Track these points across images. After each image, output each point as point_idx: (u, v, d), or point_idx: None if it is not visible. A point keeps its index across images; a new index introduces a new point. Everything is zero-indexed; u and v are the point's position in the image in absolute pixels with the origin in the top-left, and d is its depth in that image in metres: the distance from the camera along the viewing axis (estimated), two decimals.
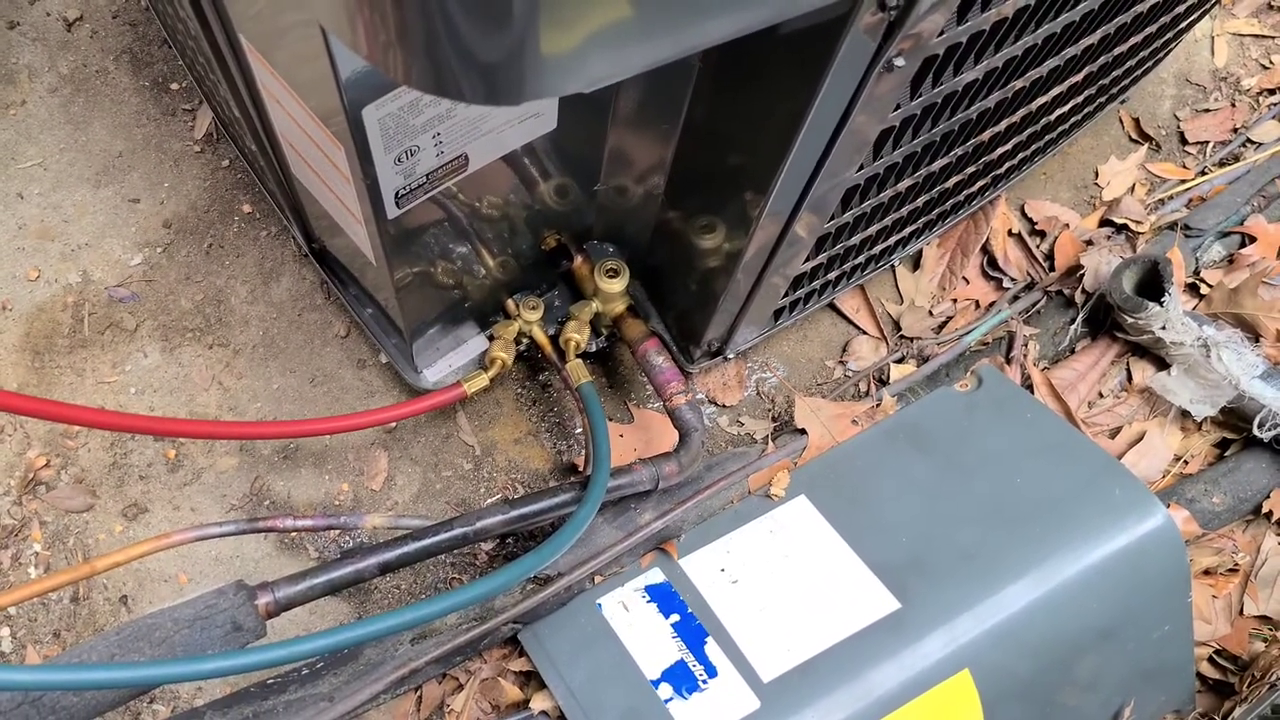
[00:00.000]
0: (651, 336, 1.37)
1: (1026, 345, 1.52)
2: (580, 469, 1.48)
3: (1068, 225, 1.64)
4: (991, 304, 1.60)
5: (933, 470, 1.40)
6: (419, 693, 1.33)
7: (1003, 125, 1.21)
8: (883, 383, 1.55)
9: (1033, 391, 1.50)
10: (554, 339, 1.42)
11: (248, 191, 1.59)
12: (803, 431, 1.45)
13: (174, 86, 1.64)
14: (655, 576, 1.35)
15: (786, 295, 1.35)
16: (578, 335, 1.37)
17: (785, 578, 1.33)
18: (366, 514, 1.25)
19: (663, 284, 1.42)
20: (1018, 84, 1.08)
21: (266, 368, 1.51)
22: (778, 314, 1.42)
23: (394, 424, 1.49)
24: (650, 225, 1.34)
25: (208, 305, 1.53)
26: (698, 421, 1.34)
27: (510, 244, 1.29)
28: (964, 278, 1.59)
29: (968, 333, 1.55)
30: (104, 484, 1.44)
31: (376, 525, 1.26)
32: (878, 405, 1.47)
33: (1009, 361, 1.51)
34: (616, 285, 1.34)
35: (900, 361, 1.55)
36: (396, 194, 1.00)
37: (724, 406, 1.54)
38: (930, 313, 1.59)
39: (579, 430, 1.52)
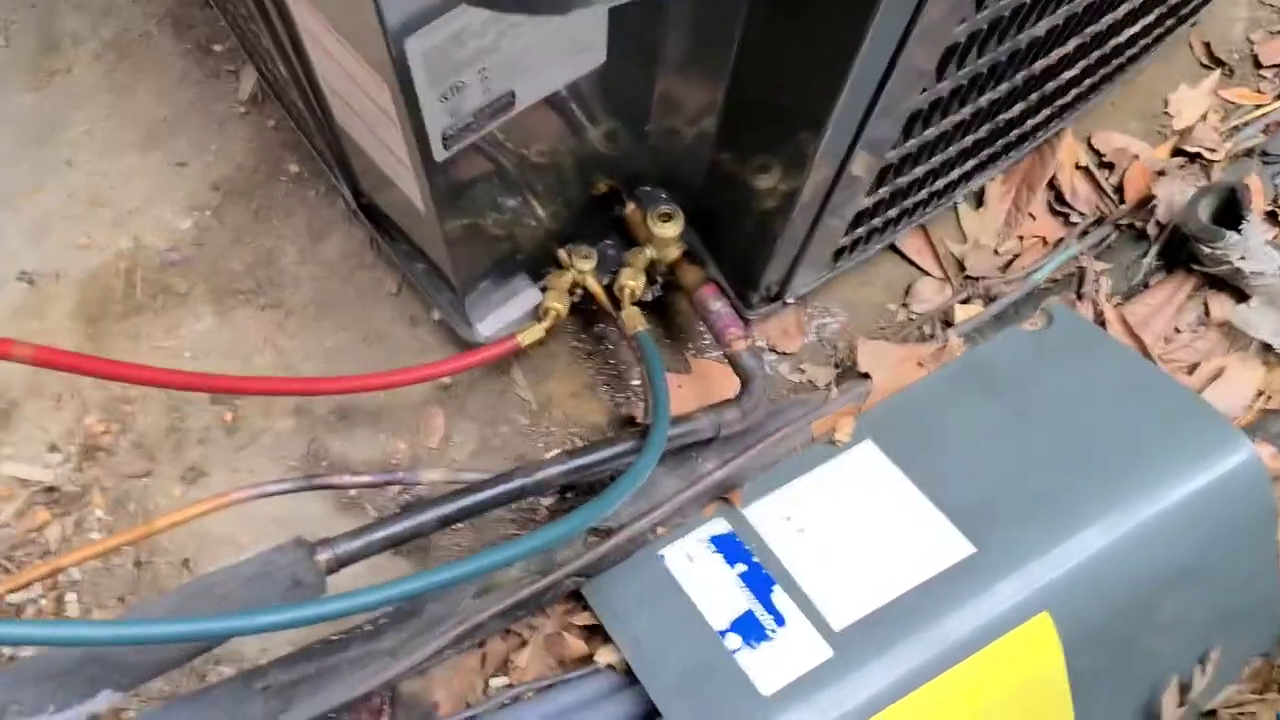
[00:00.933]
0: (709, 282, 1.33)
1: (1098, 281, 1.47)
2: (638, 420, 1.45)
3: (1137, 156, 1.57)
4: (1059, 240, 1.54)
5: (1003, 412, 1.35)
6: (484, 649, 1.31)
7: (1070, 46, 1.15)
8: (948, 324, 1.50)
9: (1105, 328, 1.45)
10: (608, 288, 1.39)
11: (294, 151, 1.57)
12: (866, 376, 1.40)
13: (217, 48, 1.62)
14: (719, 526, 1.32)
15: (846, 234, 1.30)
16: (632, 282, 1.33)
17: (853, 524, 1.29)
18: (425, 469, 1.24)
19: (718, 228, 1.38)
20: None
21: (319, 327, 1.50)
22: (838, 255, 1.37)
23: (449, 380, 1.47)
24: (703, 168, 1.30)
25: (259, 267, 1.52)
26: (759, 367, 1.30)
27: (560, 191, 1.26)
28: (1030, 214, 1.54)
29: (1036, 270, 1.50)
30: (162, 448, 1.44)
31: (435, 480, 1.24)
32: (943, 347, 1.42)
33: (1080, 298, 1.46)
34: (671, 230, 1.31)
35: (966, 302, 1.50)
36: (443, 135, 0.97)
37: (784, 354, 1.50)
38: (996, 251, 1.53)
39: (636, 382, 1.49)
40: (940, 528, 1.26)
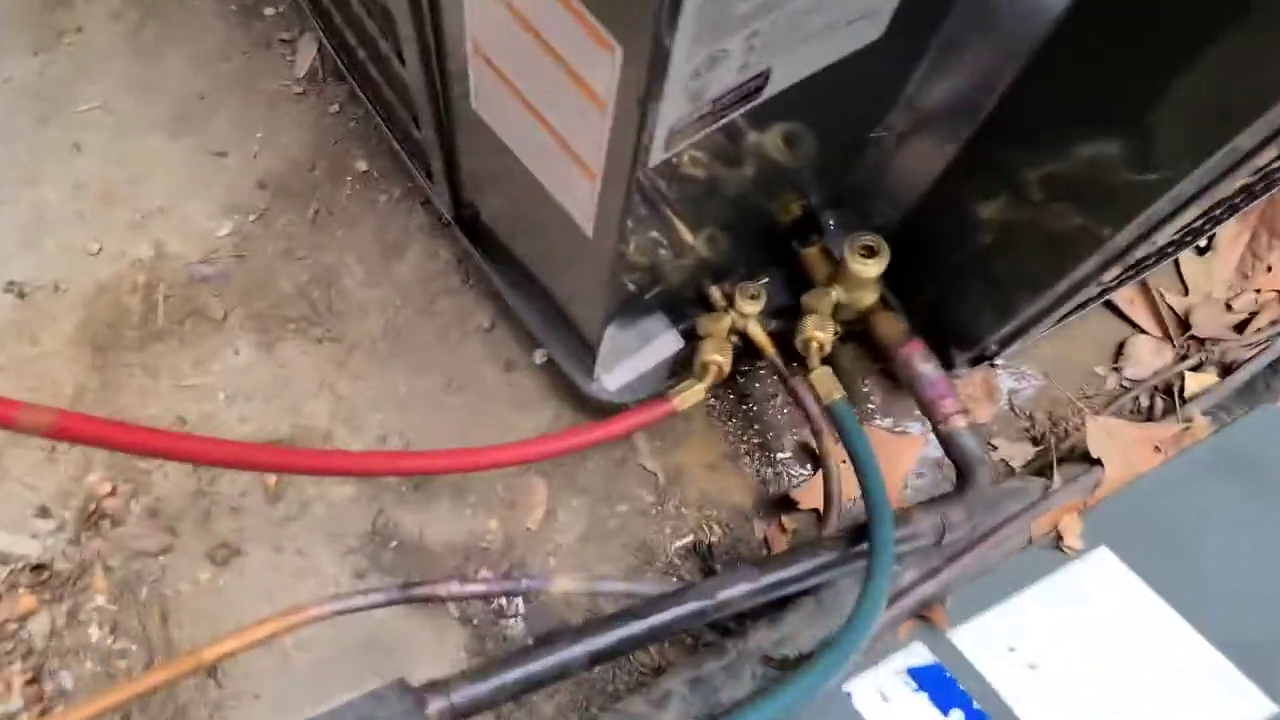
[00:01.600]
0: (915, 338, 1.03)
1: None
2: (797, 503, 1.15)
3: None
4: None
5: (1277, 518, 1.06)
6: None
7: None
8: (1170, 395, 1.21)
9: None
10: (775, 336, 1.09)
11: (363, 144, 1.26)
12: (1095, 462, 1.11)
13: (268, 12, 1.31)
14: (920, 655, 1.01)
15: (1099, 285, 1.01)
16: (820, 334, 1.03)
17: (1100, 661, 1.00)
18: (556, 577, 0.92)
19: (922, 268, 1.07)
20: None
21: (390, 368, 1.18)
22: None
23: None
24: (921, 188, 1.00)
25: (315, 288, 1.20)
26: (982, 450, 1.00)
27: (745, 213, 0.96)
28: (1268, 264, 1.25)
29: None
30: (185, 518, 1.11)
31: (568, 590, 0.93)
32: (1186, 429, 1.13)
33: None
34: (872, 268, 1.00)
35: (1197, 369, 1.21)
36: (672, 128, 0.67)
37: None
38: (1228, 306, 1.24)
39: (786, 454, 1.19)
40: (1222, 672, 0.97)
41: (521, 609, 1.10)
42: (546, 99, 0.73)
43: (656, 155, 0.69)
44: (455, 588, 0.90)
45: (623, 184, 0.71)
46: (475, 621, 1.10)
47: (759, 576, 0.89)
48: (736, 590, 0.88)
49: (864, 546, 0.91)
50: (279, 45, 1.29)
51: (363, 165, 1.25)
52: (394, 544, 1.13)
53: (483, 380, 1.19)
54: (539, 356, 1.19)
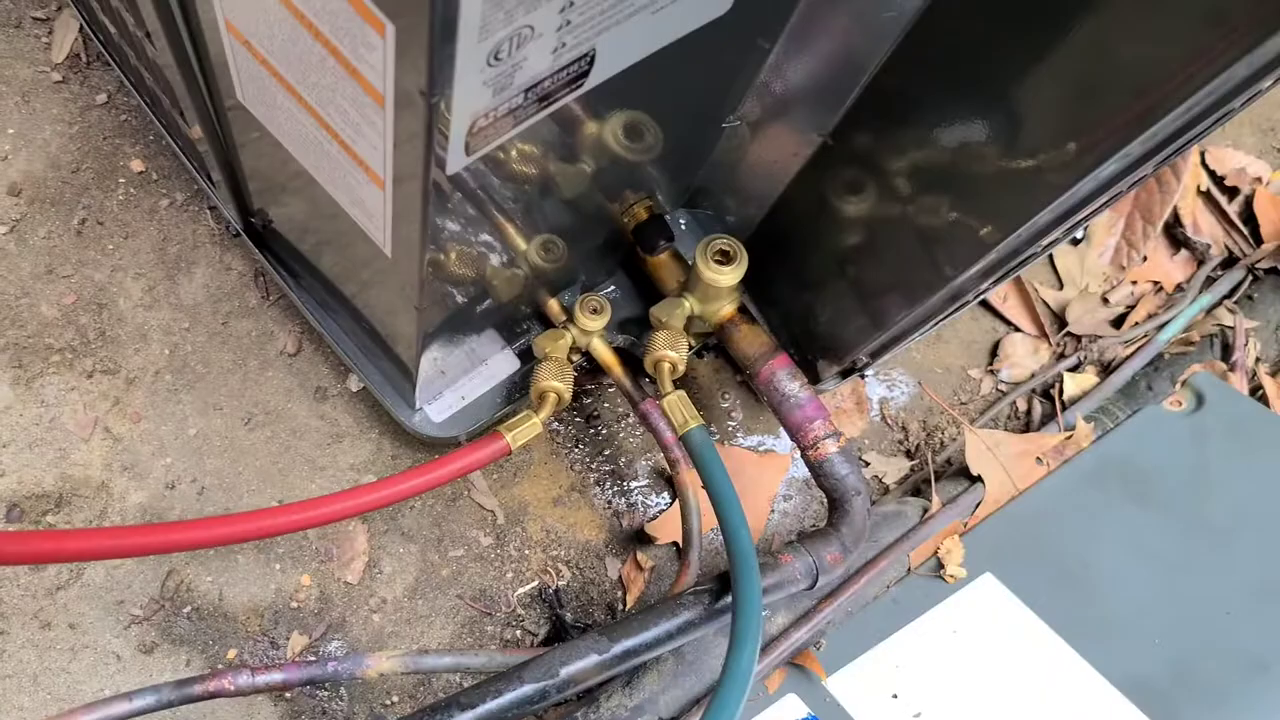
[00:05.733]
0: (778, 353, 0.91)
1: (1249, 343, 1.11)
2: (654, 537, 1.02)
3: (1260, 179, 1.23)
4: (1178, 287, 1.18)
5: (1170, 530, 0.99)
6: None
7: None
8: (1049, 398, 1.12)
9: (1268, 406, 1.09)
10: (622, 353, 0.96)
11: (138, 140, 1.08)
12: (975, 479, 1.01)
13: None
14: (794, 709, 0.90)
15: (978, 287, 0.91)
16: (672, 353, 0.90)
17: (992, 706, 0.90)
18: (369, 656, 0.78)
19: (784, 274, 0.96)
20: None
21: (178, 404, 1.01)
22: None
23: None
24: (781, 184, 0.88)
25: (83, 312, 1.02)
26: (858, 480, 0.89)
27: (577, 215, 0.82)
28: (1144, 255, 1.17)
29: (1162, 326, 1.14)
30: None
31: (385, 672, 0.78)
32: (1069, 436, 1.04)
33: (1231, 368, 1.10)
34: (728, 276, 0.88)
35: (1075, 369, 1.13)
36: (472, 126, 0.52)
37: None
38: (1104, 300, 1.16)
39: (642, 481, 1.06)
40: (1118, 712, 0.88)
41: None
42: (318, 92, 0.58)
43: (456, 159, 0.55)
44: (245, 680, 0.74)
45: (417, 195, 0.57)
46: (289, 697, 0.94)
47: (609, 645, 0.76)
48: (584, 663, 0.75)
49: (729, 600, 0.79)
50: (31, 25, 1.10)
51: (138, 165, 1.07)
52: (188, 610, 0.96)
53: (289, 413, 1.02)
54: (354, 382, 1.04)
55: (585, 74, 0.56)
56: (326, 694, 0.95)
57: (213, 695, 0.73)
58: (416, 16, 0.43)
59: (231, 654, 0.95)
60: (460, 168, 0.56)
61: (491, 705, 0.71)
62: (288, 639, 0.96)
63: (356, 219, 0.68)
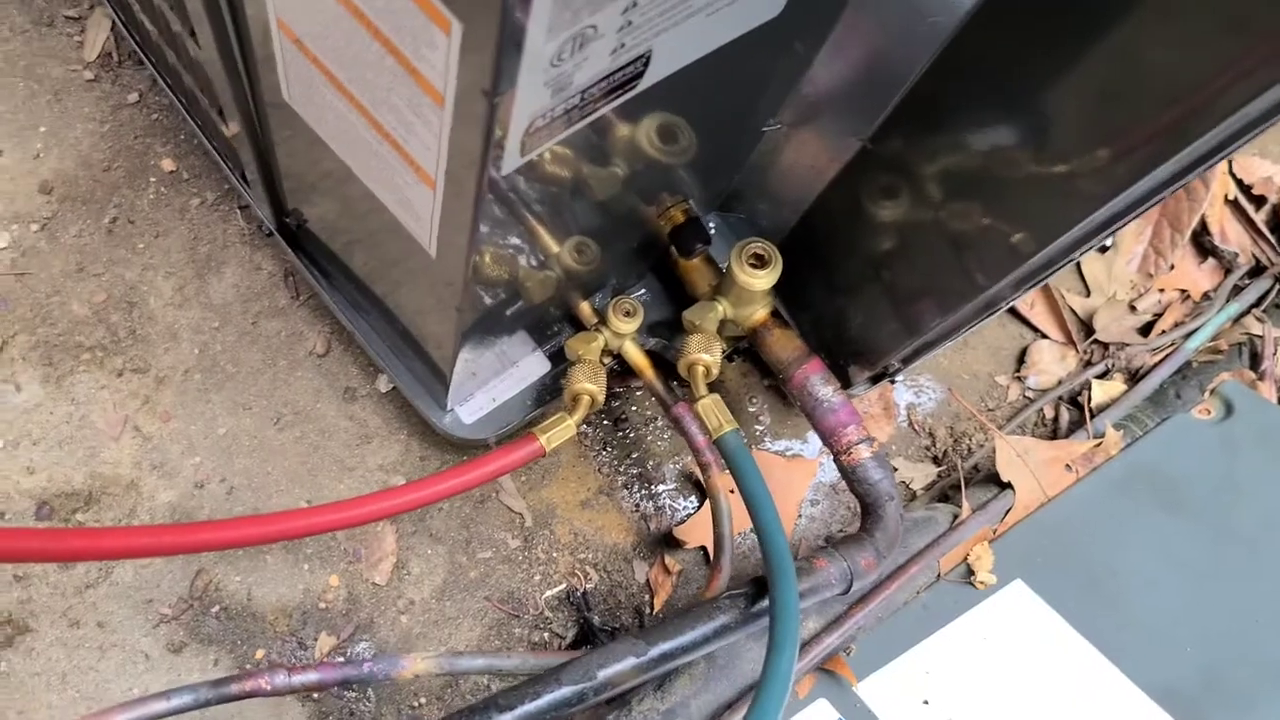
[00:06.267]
0: (813, 357, 0.91)
1: (1277, 352, 1.11)
2: (684, 542, 1.02)
3: None
4: (1205, 295, 1.18)
5: (1199, 538, 0.99)
6: None
7: None
8: (1076, 405, 1.12)
9: None
10: (654, 356, 0.96)
11: (170, 139, 1.08)
12: (1004, 485, 1.01)
13: None
14: (824, 714, 0.90)
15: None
16: (706, 356, 0.90)
17: (1023, 710, 0.90)
18: (403, 658, 0.78)
19: (818, 279, 0.95)
20: None
21: (207, 403, 1.01)
22: None
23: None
24: (816, 189, 0.88)
25: (114, 310, 1.02)
26: (891, 485, 0.89)
27: (613, 217, 0.82)
28: (1171, 263, 1.17)
29: (1189, 335, 1.14)
30: None
31: (419, 674, 0.78)
32: (1098, 444, 1.04)
33: (1261, 376, 1.10)
34: (762, 280, 0.88)
35: (1103, 377, 1.13)
36: (530, 126, 0.52)
37: None
38: (1132, 308, 1.16)
39: (669, 485, 1.06)
40: (1147, 717, 0.88)
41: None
42: (372, 91, 0.58)
43: (511, 160, 0.55)
44: (281, 680, 0.74)
45: (470, 195, 0.57)
46: (316, 698, 0.94)
47: (646, 648, 0.75)
48: (621, 666, 0.75)
49: (764, 604, 0.79)
50: (64, 23, 1.10)
51: (169, 164, 1.07)
52: (216, 610, 0.96)
53: (318, 413, 1.02)
54: (383, 383, 1.04)
55: (640, 75, 0.56)
56: (354, 695, 0.95)
57: (249, 695, 0.73)
58: (485, 16, 0.43)
59: (259, 654, 0.95)
60: (514, 168, 0.56)
61: (530, 707, 0.71)
62: (315, 639, 0.96)
63: (402, 219, 0.68)
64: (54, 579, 0.94)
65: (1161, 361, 1.12)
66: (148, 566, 0.96)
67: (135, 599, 0.95)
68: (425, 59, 0.49)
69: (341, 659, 0.92)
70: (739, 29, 0.60)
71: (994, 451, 1.02)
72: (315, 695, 0.94)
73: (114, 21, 1.06)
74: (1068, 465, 1.03)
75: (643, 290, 1.01)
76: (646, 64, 0.55)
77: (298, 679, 0.74)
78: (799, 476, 1.07)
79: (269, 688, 0.73)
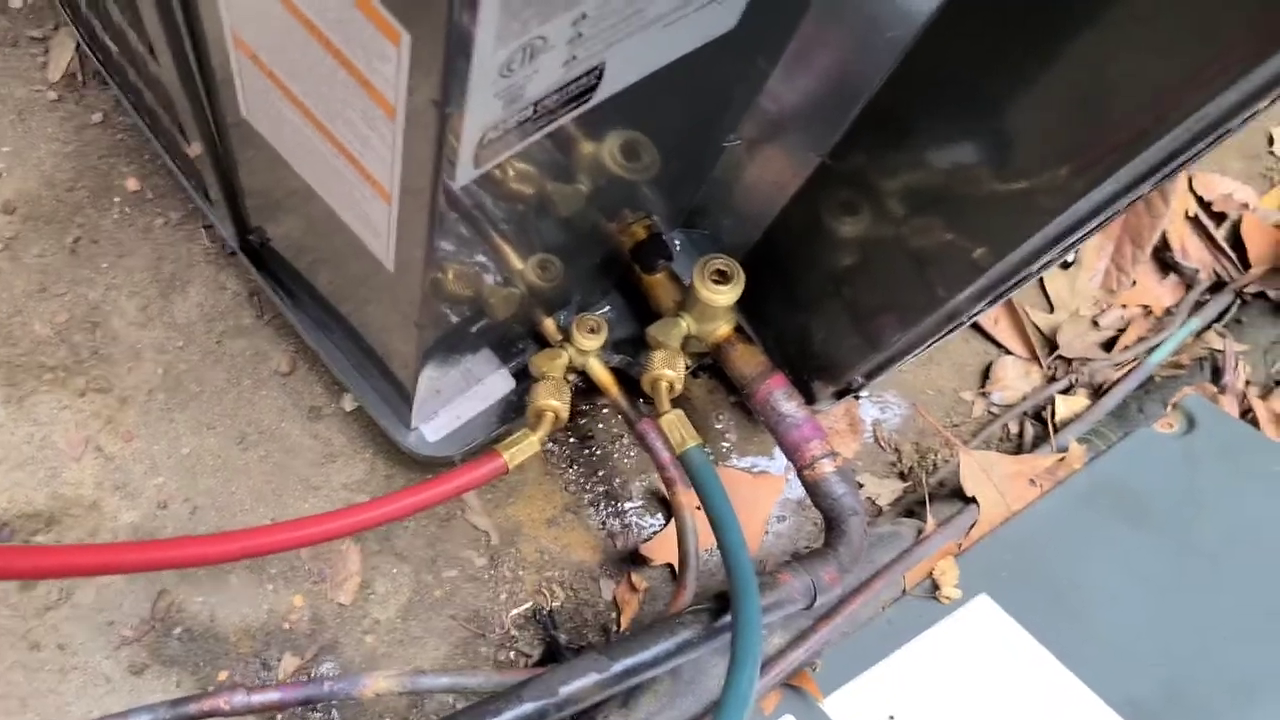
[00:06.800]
0: (777, 372, 0.92)
1: (1238, 367, 1.12)
2: (649, 559, 1.02)
3: (1247, 205, 1.25)
4: (1167, 311, 1.19)
5: (1162, 551, 0.99)
6: None
7: None
8: (1040, 421, 1.13)
9: (1258, 428, 1.10)
10: (618, 373, 0.96)
11: (134, 159, 1.08)
12: (969, 500, 1.02)
13: (14, 4, 1.11)
14: None
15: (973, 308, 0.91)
16: (670, 372, 0.91)
17: None
18: (365, 677, 0.77)
19: (781, 294, 0.96)
20: None
21: (170, 423, 1.00)
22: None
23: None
24: (778, 204, 0.89)
25: (76, 330, 1.01)
26: (855, 500, 0.89)
27: (574, 234, 0.82)
28: (1133, 279, 1.18)
29: (1152, 349, 1.15)
30: None
31: (381, 692, 0.77)
32: (1062, 458, 1.05)
33: (1222, 390, 1.11)
34: (725, 295, 0.88)
35: (1067, 392, 1.13)
36: (482, 138, 0.53)
37: None
38: (1094, 323, 1.17)
39: (636, 503, 1.06)
40: None
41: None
42: (327, 104, 0.58)
43: (464, 172, 0.55)
44: (240, 699, 0.73)
45: (425, 208, 0.57)
46: (279, 718, 0.94)
47: (609, 664, 0.75)
48: (583, 682, 0.75)
49: (727, 619, 0.79)
50: (28, 44, 1.10)
51: (133, 184, 1.07)
52: (179, 631, 0.95)
53: (282, 432, 1.02)
54: (348, 401, 1.03)
55: (593, 88, 0.56)
56: (319, 715, 0.94)
57: (208, 715, 0.73)
58: (432, 26, 0.43)
59: (223, 675, 0.94)
60: (469, 180, 0.56)
61: None
62: (279, 660, 0.95)
63: (360, 234, 0.68)
64: (14, 600, 0.94)
65: (1124, 376, 1.13)
66: (109, 587, 0.95)
67: (96, 621, 0.94)
68: (377, 71, 0.50)
69: (306, 678, 0.91)
70: (694, 42, 0.60)
71: (959, 466, 1.03)
72: (278, 716, 0.93)
73: (78, 42, 1.06)
74: (1032, 480, 1.03)
75: (607, 307, 1.01)
76: (600, 76, 0.56)
77: (257, 698, 0.74)
78: (765, 493, 1.07)
79: (228, 708, 0.73)
